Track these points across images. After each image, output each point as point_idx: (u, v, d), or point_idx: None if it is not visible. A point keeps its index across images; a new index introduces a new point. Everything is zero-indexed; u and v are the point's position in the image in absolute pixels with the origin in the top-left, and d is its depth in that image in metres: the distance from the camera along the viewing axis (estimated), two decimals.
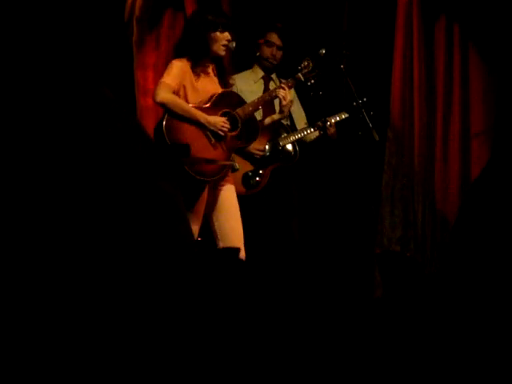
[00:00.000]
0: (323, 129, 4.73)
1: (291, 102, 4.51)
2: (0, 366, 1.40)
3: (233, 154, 4.45)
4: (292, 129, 5.00)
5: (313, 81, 4.47)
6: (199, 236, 4.35)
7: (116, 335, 1.46)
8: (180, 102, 4.15)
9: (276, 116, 4.58)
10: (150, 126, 5.22)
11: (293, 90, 4.91)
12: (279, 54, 5.07)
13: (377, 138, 4.65)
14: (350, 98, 4.81)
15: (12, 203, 1.45)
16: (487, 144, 5.20)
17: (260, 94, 4.69)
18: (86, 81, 1.62)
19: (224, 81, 4.36)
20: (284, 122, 4.94)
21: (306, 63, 4.49)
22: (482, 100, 5.23)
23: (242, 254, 4.24)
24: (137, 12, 5.25)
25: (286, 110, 4.46)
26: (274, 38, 5.06)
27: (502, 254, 2.01)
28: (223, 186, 4.29)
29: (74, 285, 1.44)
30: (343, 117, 4.90)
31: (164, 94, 4.12)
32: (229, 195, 4.30)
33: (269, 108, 4.88)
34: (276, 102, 4.75)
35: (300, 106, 5.13)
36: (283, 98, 4.38)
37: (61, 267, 1.44)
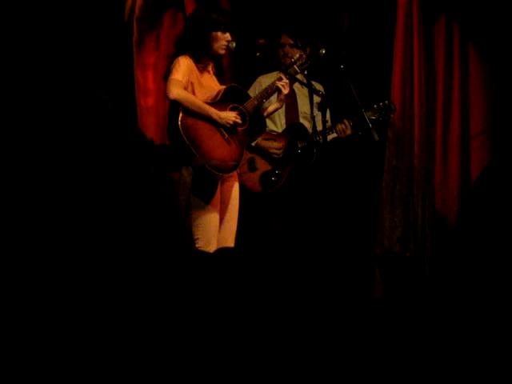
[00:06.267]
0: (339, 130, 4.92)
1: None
2: (0, 365, 1.40)
3: (254, 155, 4.68)
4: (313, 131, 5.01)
5: (306, 72, 4.59)
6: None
7: (113, 337, 1.46)
8: (193, 98, 4.19)
9: (274, 105, 4.65)
10: (150, 126, 5.24)
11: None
12: (292, 51, 5.05)
13: (377, 138, 4.65)
14: (350, 98, 4.81)
15: (8, 205, 1.45)
16: (487, 144, 5.20)
17: None
18: (82, 82, 1.61)
19: (222, 79, 4.42)
20: (307, 123, 4.99)
21: (298, 55, 4.66)
22: (482, 100, 5.23)
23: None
24: (137, 12, 5.26)
25: (283, 98, 4.57)
26: (284, 38, 5.08)
27: (502, 254, 2.01)
28: (229, 182, 4.42)
29: (71, 287, 1.44)
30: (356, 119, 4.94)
31: (177, 91, 4.14)
32: (233, 191, 4.44)
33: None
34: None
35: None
36: (283, 86, 4.44)
37: (58, 270, 1.44)
